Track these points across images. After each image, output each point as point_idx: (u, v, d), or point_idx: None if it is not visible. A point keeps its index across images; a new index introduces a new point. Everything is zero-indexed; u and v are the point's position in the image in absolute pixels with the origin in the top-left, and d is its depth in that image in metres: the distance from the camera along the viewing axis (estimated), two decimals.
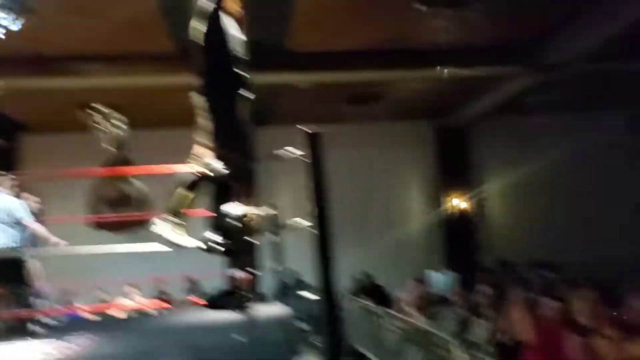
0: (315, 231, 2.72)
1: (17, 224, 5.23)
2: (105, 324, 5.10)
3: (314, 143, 2.73)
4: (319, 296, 2.76)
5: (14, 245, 5.09)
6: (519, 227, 11.77)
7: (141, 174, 9.16)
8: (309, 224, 2.79)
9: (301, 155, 2.86)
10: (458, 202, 11.97)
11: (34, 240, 5.31)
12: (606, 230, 11.47)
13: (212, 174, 3.16)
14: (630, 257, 9.59)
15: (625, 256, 9.92)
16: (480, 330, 5.28)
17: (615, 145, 12.03)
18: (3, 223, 5.17)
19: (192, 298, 9.25)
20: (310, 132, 2.76)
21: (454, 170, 12.05)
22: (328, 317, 2.68)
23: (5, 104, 9.31)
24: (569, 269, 8.61)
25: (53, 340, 4.42)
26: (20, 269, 5.13)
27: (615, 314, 3.33)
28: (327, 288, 2.69)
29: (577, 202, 11.70)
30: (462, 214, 11.98)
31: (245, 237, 3.22)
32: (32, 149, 11.29)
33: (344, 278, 9.96)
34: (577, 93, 9.66)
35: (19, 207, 5.32)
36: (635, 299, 3.41)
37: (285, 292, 6.40)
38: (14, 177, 5.63)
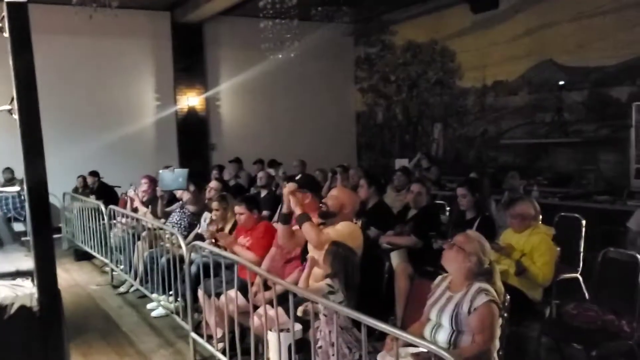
0: (22, 119, 2.45)
1: None
2: None
3: (19, 16, 2.40)
4: (29, 192, 2.54)
5: None
6: (247, 127, 12.36)
7: None
8: (15, 110, 2.50)
9: (3, 31, 2.50)
10: (191, 100, 11.95)
11: None
12: (323, 133, 12.81)
13: None
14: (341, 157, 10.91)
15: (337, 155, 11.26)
16: (206, 222, 5.52)
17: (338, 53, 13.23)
18: None
19: None
20: (15, 2, 2.42)
21: (188, 67, 11.90)
22: (38, 214, 2.49)
23: None
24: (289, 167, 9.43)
25: None
26: None
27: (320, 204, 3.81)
28: (36, 183, 2.47)
29: (299, 105, 12.75)
30: (195, 111, 12.03)
31: None
32: None
33: (70, 176, 9.37)
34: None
35: None
36: (334, 190, 3.94)
37: None
38: None
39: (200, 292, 4.51)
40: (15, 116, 2.42)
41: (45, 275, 2.45)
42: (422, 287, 3.32)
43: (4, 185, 9.22)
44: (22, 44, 2.42)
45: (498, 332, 2.83)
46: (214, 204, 5.26)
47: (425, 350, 2.37)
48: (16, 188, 8.75)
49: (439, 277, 3.09)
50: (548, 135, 9.65)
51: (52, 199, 8.15)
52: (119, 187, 9.01)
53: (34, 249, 2.45)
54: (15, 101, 2.43)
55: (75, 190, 9.27)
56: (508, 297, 3.04)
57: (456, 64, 11.39)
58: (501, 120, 10.53)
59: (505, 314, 2.99)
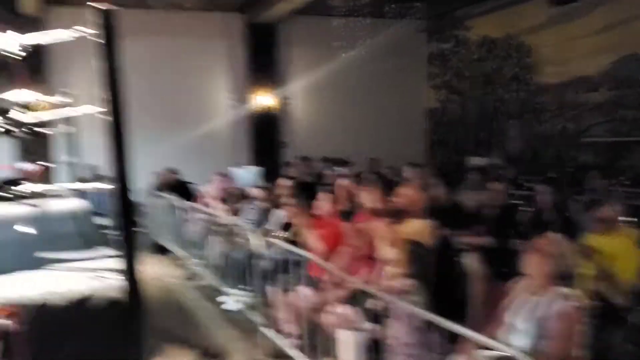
0: (109, 119, 2.57)
1: None
2: None
3: (107, 21, 2.52)
4: (114, 189, 2.67)
5: None
6: (319, 125, 12.43)
7: None
8: (103, 111, 2.62)
9: (93, 35, 2.63)
10: (264, 99, 12.14)
11: None
12: (393, 131, 12.70)
13: None
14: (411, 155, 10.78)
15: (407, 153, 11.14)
16: (277, 219, 5.59)
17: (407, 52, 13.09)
18: None
19: None
20: (103, 8, 2.54)
21: (261, 66, 12.09)
22: (122, 210, 2.61)
23: None
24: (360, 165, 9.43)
25: None
26: None
27: (391, 200, 3.77)
28: (121, 180, 2.60)
29: (369, 103, 12.70)
30: (268, 110, 12.22)
31: (34, 127, 2.92)
32: None
33: (148, 173, 9.75)
34: None
35: None
36: (404, 188, 3.89)
37: (81, 185, 6.08)
38: None
39: (271, 288, 4.58)
40: (103, 117, 2.55)
41: (128, 269, 2.57)
42: (498, 290, 3.23)
43: (89, 182, 9.68)
44: (110, 48, 2.54)
45: (579, 338, 2.72)
46: (287, 200, 5.32)
47: (504, 354, 2.31)
48: (99, 185, 9.20)
49: (517, 280, 3.00)
50: (630, 133, 9.16)
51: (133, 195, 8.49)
52: (195, 183, 9.29)
53: (118, 244, 2.57)
54: (103, 103, 2.55)
55: (153, 186, 9.63)
56: (590, 302, 2.92)
57: (533, 59, 10.99)
58: (580, 117, 10.08)
59: (587, 320, 2.87)
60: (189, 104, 11.59)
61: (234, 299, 5.48)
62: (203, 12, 11.22)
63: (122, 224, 2.60)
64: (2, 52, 2.74)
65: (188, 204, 7.22)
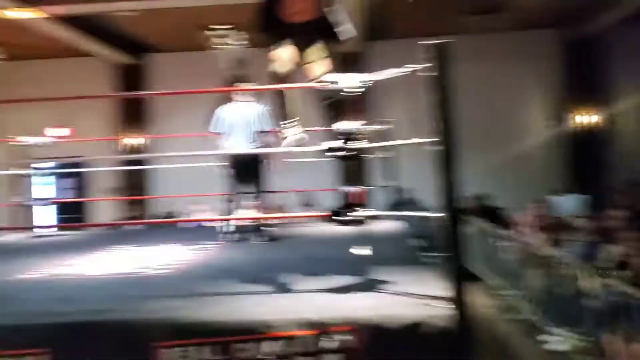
0: (440, 148, 2.61)
1: (259, 132, 5.22)
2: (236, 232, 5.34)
3: (441, 55, 2.58)
4: (441, 215, 2.69)
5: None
6: None
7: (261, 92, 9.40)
8: (433, 140, 2.68)
9: (425, 69, 2.71)
10: (585, 118, 11.11)
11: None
12: None
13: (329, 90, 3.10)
14: None
15: None
16: (610, 256, 4.99)
17: None
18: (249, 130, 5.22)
19: (308, 211, 9.57)
20: (437, 43, 2.60)
21: (581, 83, 11.15)
22: (449, 238, 2.62)
23: (132, 25, 9.77)
24: None
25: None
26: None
27: None
28: (449, 207, 2.61)
29: None
30: (590, 130, 11.13)
31: (358, 153, 3.16)
32: (157, 68, 11.87)
33: (460, 198, 9.80)
34: None
35: (266, 116, 5.23)
36: None
37: (398, 208, 6.41)
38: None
39: (608, 334, 4.07)
40: (433, 147, 2.60)
41: (458, 297, 2.54)
42: None
43: (404, 205, 10.17)
44: (444, 80, 2.58)
45: None
46: (622, 234, 4.73)
47: None
48: (414, 208, 9.59)
49: None
50: None
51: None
52: (505, 209, 9.00)
53: (446, 271, 2.57)
54: (433, 134, 2.61)
55: (463, 210, 9.62)
56: None
57: None
58: None
59: None
60: (501, 125, 11.34)
61: (558, 340, 5.04)
62: (515, 32, 10.92)
63: (450, 251, 2.60)
64: (345, 91, 3.02)
65: (502, 231, 6.98)
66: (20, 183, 6.27)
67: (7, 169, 6.47)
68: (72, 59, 11.53)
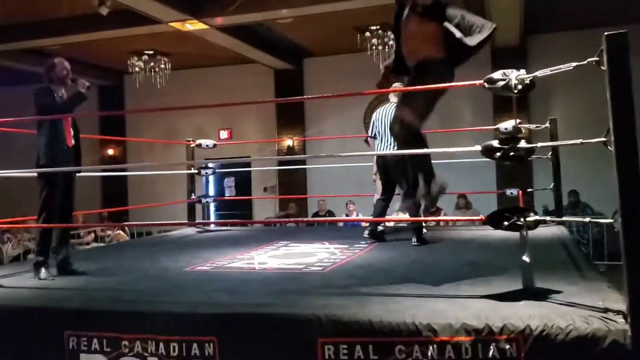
0: (617, 149, 2.38)
1: None
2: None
3: (617, 46, 2.35)
4: (615, 220, 2.46)
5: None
6: None
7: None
8: (606, 139, 2.45)
9: (596, 63, 2.50)
10: None
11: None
12: None
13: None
14: None
15: None
16: None
17: None
18: None
19: (464, 214, 9.30)
20: (612, 34, 2.38)
21: None
22: (628, 245, 2.37)
23: (290, 31, 10.20)
24: None
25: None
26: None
27: None
28: (628, 211, 2.37)
29: None
30: None
31: (520, 154, 2.97)
32: (313, 72, 12.28)
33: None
34: None
35: None
36: None
37: (562, 212, 5.98)
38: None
39: None
40: (611, 148, 2.38)
41: (633, 310, 2.31)
42: None
43: (567, 208, 9.51)
44: (621, 75, 2.36)
45: None
46: None
47: None
48: (579, 211, 8.92)
49: None
50: None
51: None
52: None
53: (627, 284, 2.34)
54: (611, 133, 2.39)
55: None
56: None
57: None
58: None
59: None
60: None
61: None
62: None
63: (632, 263, 2.36)
64: (509, 89, 2.86)
65: None
66: (194, 182, 6.82)
67: (184, 169, 7.10)
68: (234, 66, 12.32)
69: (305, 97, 12.12)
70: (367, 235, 5.26)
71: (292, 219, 9.87)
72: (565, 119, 8.86)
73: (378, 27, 9.55)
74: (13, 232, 8.76)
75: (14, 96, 9.74)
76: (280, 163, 11.21)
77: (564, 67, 2.80)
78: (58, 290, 3.47)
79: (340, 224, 8.30)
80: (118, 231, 10.04)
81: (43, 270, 3.77)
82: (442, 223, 8.01)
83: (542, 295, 2.76)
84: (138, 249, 5.76)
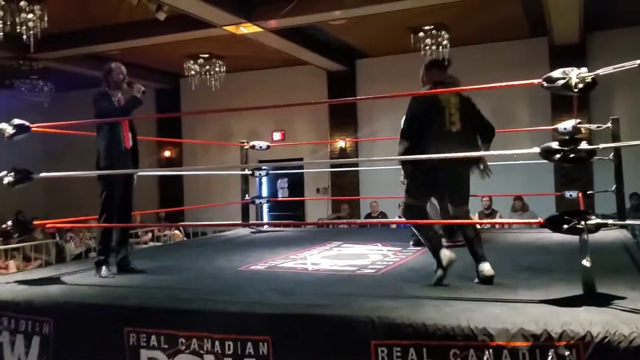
0: None
1: None
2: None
3: None
4: None
5: None
6: None
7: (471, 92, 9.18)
8: None
9: None
10: None
11: None
12: None
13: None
14: None
15: None
16: None
17: None
18: None
19: (521, 217, 9.07)
20: None
21: None
22: None
23: (343, 32, 10.20)
24: None
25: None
26: None
27: None
28: None
29: None
30: None
31: (581, 155, 2.86)
32: (366, 73, 12.24)
33: None
34: None
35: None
36: None
37: (625, 215, 5.74)
38: None
39: None
40: None
41: None
42: None
43: (630, 211, 9.14)
44: None
45: None
46: None
47: None
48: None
49: None
50: None
51: None
52: None
53: None
54: None
55: None
56: None
57: None
58: None
59: None
60: None
61: None
62: None
63: None
64: (570, 88, 2.77)
65: None
66: (248, 183, 6.91)
67: (238, 170, 7.20)
68: (287, 68, 12.42)
69: (357, 97, 12.07)
70: (412, 246, 5.06)
71: (344, 221, 9.86)
72: (627, 118, 8.51)
73: (432, 26, 9.43)
74: (75, 231, 9.08)
75: (75, 100, 10.11)
76: (333, 164, 11.19)
77: (628, 64, 2.70)
78: (118, 288, 3.58)
79: (393, 226, 8.22)
80: (174, 231, 10.29)
81: (104, 268, 3.91)
82: (497, 226, 7.83)
83: (603, 301, 2.67)
84: (193, 248, 5.88)
